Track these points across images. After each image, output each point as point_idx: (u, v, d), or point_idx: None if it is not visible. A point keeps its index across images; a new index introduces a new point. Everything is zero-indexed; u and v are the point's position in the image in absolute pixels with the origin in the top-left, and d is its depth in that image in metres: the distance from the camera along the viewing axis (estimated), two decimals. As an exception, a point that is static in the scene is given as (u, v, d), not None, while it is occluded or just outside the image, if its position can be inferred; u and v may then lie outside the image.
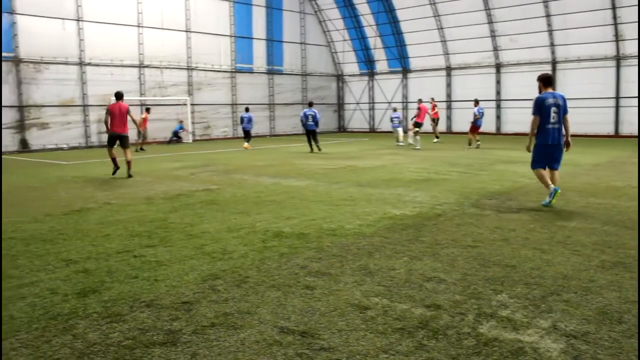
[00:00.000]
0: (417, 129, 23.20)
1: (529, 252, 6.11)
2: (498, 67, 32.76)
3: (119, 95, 14.19)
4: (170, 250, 6.42)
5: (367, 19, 37.18)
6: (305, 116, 21.93)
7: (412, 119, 25.14)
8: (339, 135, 36.03)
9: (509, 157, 17.53)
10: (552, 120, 8.66)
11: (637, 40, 26.76)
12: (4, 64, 24.28)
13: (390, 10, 35.88)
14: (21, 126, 25.02)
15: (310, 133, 21.93)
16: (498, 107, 32.83)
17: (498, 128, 32.79)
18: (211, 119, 32.64)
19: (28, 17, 24.84)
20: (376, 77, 39.26)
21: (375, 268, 5.55)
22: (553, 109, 8.64)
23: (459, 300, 4.61)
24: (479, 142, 22.39)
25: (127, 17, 28.38)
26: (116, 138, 14.01)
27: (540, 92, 8.90)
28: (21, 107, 24.92)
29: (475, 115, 22.59)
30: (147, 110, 25.53)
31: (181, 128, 29.92)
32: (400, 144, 24.68)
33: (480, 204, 9.21)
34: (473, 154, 19.37)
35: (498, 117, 32.81)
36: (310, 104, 22.89)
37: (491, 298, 4.65)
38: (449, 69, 35.06)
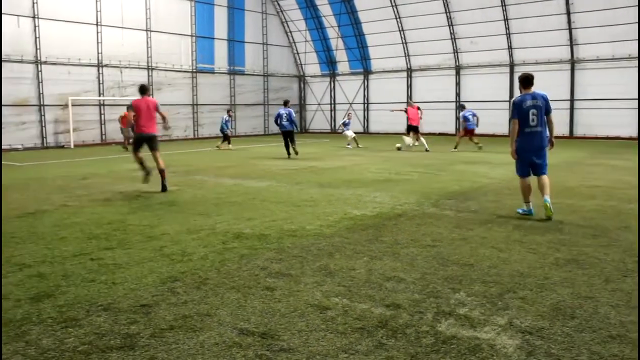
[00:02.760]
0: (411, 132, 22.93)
1: (487, 250, 6.23)
2: (458, 69, 33.26)
3: (144, 89, 11.99)
4: (129, 252, 6.31)
5: (329, 20, 37.29)
6: (280, 116, 19.54)
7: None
8: (300, 136, 36.02)
9: (468, 158, 17.81)
10: (531, 123, 8.04)
11: (636, 42, 27.27)
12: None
13: (352, 12, 36.06)
14: (-27, 126, 24.25)
15: (287, 135, 19.49)
16: (457, 108, 33.30)
17: (457, 129, 33.23)
18: (171, 119, 32.04)
19: (-20, 14, 24.11)
20: (338, 78, 39.39)
21: (335, 268, 5.57)
22: (532, 111, 8.02)
23: (418, 299, 4.67)
24: (480, 145, 21.72)
25: (86, 15, 27.78)
26: (144, 139, 11.76)
27: (520, 93, 8.36)
28: (-27, 107, 24.16)
29: (464, 119, 22.35)
30: (128, 108, 24.73)
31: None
32: (349, 146, 24.18)
33: (440, 204, 9.34)
34: (433, 155, 19.60)
35: (457, 118, 33.26)
36: (286, 103, 20.28)
37: (449, 296, 4.72)
38: (409, 71, 35.42)
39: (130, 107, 20.59)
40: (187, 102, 33.11)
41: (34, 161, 19.00)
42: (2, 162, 18.83)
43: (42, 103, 26.46)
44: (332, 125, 39.76)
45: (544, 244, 6.48)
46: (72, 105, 26.87)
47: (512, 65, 31.03)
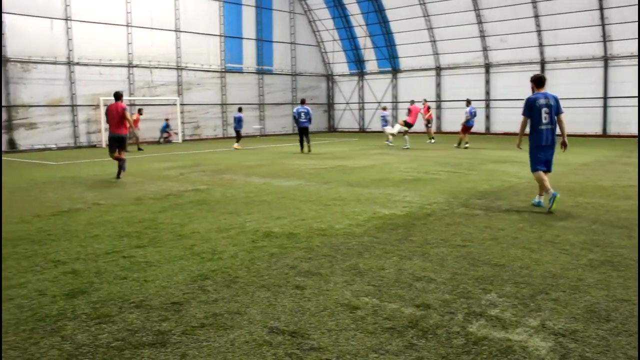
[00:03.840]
0: (406, 129, 23.26)
1: (518, 251, 6.15)
2: (487, 67, 32.90)
3: (117, 96, 13.64)
4: (160, 250, 6.39)
5: (357, 19, 37.21)
6: (298, 113, 21.28)
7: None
8: (328, 135, 36.03)
9: (498, 157, 17.60)
10: (544, 121, 8.54)
11: (636, 41, 26.86)
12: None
13: (380, 10, 35.94)
14: (9, 126, 24.83)
15: (303, 131, 21.24)
16: (487, 107, 32.98)
17: (487, 128, 32.93)
18: (201, 119, 32.54)
19: (16, 17, 24.64)
20: (366, 77, 39.31)
21: (365, 268, 5.56)
22: (544, 109, 8.52)
23: (449, 299, 4.63)
24: (467, 144, 22.29)
25: (116, 17, 28.23)
26: (116, 139, 13.42)
27: (532, 93, 8.79)
28: (9, 107, 24.72)
29: (466, 115, 22.59)
30: (139, 111, 25.42)
31: (167, 126, 29.67)
32: (390, 143, 24.46)
33: (469, 204, 9.25)
34: (462, 154, 19.44)
35: (487, 117, 32.95)
36: (303, 101, 22.24)
37: (480, 297, 4.67)
38: (438, 69, 35.16)
39: (140, 109, 24.03)
40: (216, 101, 33.38)
41: (67, 160, 19.37)
42: (38, 162, 19.25)
43: (74, 103, 26.95)
44: (361, 125, 39.70)
45: (577, 245, 6.37)
46: (104, 105, 27.28)
47: (542, 63, 30.57)
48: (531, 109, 8.60)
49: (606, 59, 28.61)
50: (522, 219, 7.90)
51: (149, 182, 12.79)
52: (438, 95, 35.22)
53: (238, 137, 24.43)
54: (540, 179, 8.72)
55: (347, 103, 40.38)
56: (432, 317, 4.22)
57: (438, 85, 35.27)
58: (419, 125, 26.44)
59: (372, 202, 9.56)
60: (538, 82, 8.78)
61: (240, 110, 25.30)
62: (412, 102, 24.70)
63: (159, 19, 30.00)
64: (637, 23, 26.72)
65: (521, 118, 8.92)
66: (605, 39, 28.37)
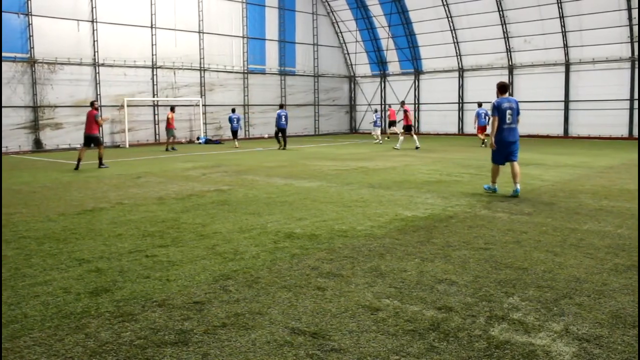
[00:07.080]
0: (402, 131, 24.54)
1: (541, 254, 6.08)
2: (511, 68, 32.57)
3: (91, 104, 17.23)
4: (182, 250, 6.45)
5: (380, 20, 37.11)
6: (280, 116, 24.52)
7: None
8: (350, 137, 36.00)
9: (521, 160, 17.37)
10: (507, 121, 10.05)
11: None
12: (19, 65, 24.52)
13: (403, 12, 35.79)
14: (35, 126, 25.24)
15: (282, 131, 24.50)
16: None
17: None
18: (223, 119, 32.71)
19: (43, 19, 25.05)
20: (388, 78, 39.17)
21: (386, 269, 5.54)
22: (508, 111, 10.02)
23: (471, 302, 4.60)
24: (485, 142, 23.52)
25: (141, 18, 28.54)
26: (91, 138, 16.82)
27: (497, 97, 10.25)
28: (35, 108, 25.14)
29: (477, 115, 24.58)
30: (172, 109, 25.68)
31: (206, 139, 30.39)
32: (379, 142, 27.38)
33: (492, 206, 9.17)
34: (485, 156, 19.27)
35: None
36: (282, 106, 26.06)
37: (503, 300, 4.63)
38: (461, 71, 34.90)
39: (172, 108, 25.99)
40: (239, 102, 33.53)
41: (91, 160, 19.59)
42: (63, 161, 19.53)
43: (99, 104, 27.25)
44: (383, 126, 39.54)
45: (602, 249, 6.28)
46: (128, 105, 27.63)
47: (567, 64, 30.17)
48: (498, 111, 10.04)
49: (634, 61, 28.13)
50: (546, 222, 7.81)
51: (172, 182, 12.90)
52: (460, 96, 34.97)
53: (234, 136, 26.72)
54: (495, 172, 10.43)
55: (369, 104, 40.28)
56: (453, 320, 4.20)
57: (461, 86, 35.02)
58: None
59: (394, 203, 9.53)
60: (502, 88, 10.32)
61: (234, 110, 27.79)
62: (403, 103, 26.78)
63: (182, 21, 30.26)
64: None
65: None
66: (632, 39, 27.89)
